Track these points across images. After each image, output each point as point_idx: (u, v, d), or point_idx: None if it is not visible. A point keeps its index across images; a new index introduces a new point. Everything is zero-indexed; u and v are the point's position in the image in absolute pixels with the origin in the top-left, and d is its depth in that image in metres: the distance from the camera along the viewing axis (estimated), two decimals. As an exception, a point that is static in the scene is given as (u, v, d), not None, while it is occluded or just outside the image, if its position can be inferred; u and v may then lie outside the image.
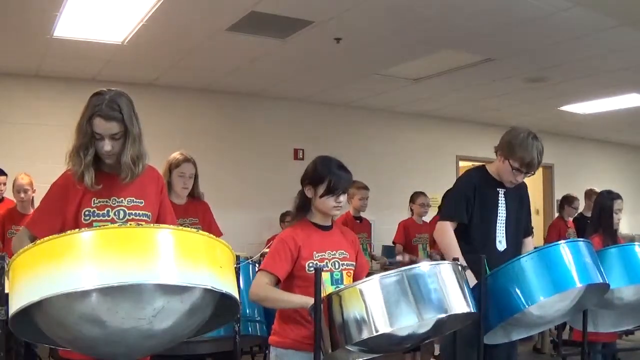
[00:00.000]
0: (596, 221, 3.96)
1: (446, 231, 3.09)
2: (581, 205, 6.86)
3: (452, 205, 3.20)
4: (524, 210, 3.31)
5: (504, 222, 3.14)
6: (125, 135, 2.18)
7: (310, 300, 2.18)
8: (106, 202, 2.24)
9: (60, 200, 2.23)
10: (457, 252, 2.94)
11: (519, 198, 3.26)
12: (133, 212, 2.28)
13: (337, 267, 2.47)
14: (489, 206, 3.13)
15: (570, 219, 6.78)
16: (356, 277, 2.52)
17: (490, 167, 3.22)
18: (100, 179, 2.22)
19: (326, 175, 2.45)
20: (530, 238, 3.37)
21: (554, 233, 6.56)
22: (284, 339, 2.44)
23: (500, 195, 3.15)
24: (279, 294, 2.39)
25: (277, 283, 2.42)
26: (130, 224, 2.18)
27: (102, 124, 2.13)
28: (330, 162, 2.50)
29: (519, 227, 3.26)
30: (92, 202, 2.22)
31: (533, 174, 3.14)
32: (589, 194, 6.79)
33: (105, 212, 2.23)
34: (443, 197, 4.95)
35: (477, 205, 3.11)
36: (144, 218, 2.31)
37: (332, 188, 2.44)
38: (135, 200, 2.29)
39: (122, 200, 2.26)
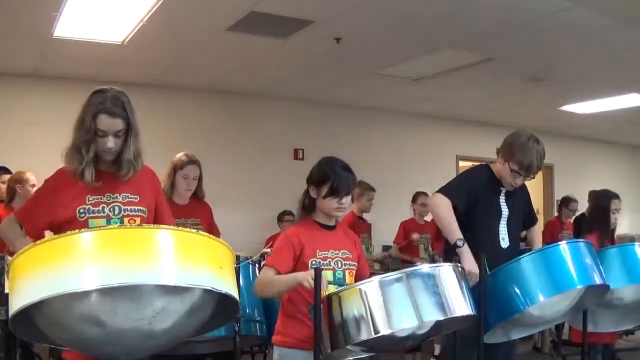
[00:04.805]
0: (592, 220, 3.95)
1: (443, 204, 2.99)
2: (585, 206, 6.85)
3: (456, 186, 3.15)
4: (524, 203, 3.32)
5: (507, 220, 3.14)
6: (127, 133, 2.22)
7: (299, 275, 2.25)
8: (100, 198, 2.24)
9: (50, 198, 2.24)
10: (456, 231, 2.91)
11: (518, 194, 3.25)
12: (128, 207, 2.29)
13: (339, 266, 2.47)
14: (493, 206, 3.13)
15: (569, 220, 6.79)
16: (358, 279, 2.51)
17: (494, 167, 3.22)
18: (97, 176, 2.23)
19: (329, 176, 2.43)
20: (535, 227, 3.42)
21: (547, 232, 6.63)
22: (287, 338, 2.44)
23: (501, 194, 3.16)
24: (274, 278, 2.37)
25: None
26: (131, 225, 2.19)
27: (107, 121, 2.16)
28: (334, 163, 2.49)
29: (519, 222, 3.28)
30: (87, 200, 2.23)
31: (533, 178, 3.14)
32: (591, 195, 6.79)
33: (100, 208, 2.24)
34: None
35: (481, 204, 3.09)
36: (140, 214, 2.31)
37: (334, 189, 2.43)
38: (130, 196, 2.30)
39: (117, 196, 2.27)
